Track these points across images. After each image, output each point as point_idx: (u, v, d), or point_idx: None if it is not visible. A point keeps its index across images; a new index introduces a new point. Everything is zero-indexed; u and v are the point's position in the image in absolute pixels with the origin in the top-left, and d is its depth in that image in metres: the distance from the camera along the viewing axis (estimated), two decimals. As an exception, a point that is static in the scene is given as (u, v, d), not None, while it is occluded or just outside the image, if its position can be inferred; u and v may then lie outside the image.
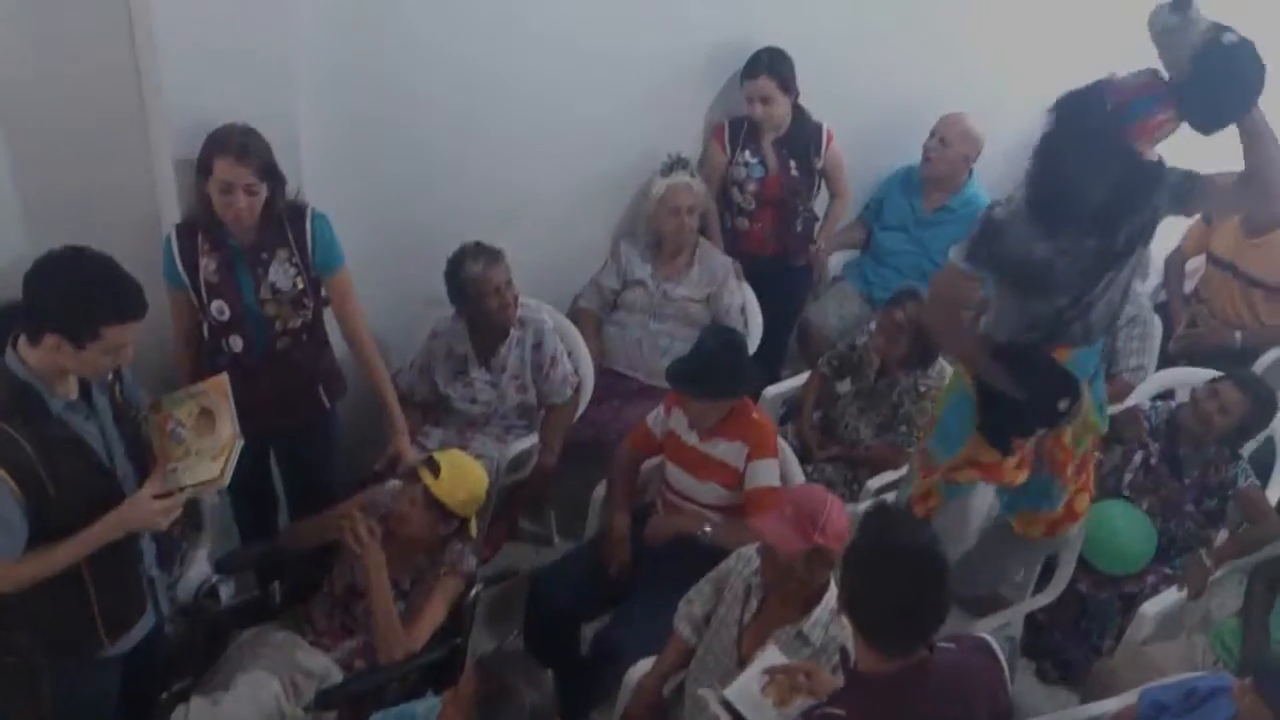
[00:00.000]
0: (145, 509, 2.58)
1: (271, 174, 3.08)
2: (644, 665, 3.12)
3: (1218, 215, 3.22)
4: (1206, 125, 2.66)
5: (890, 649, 2.21)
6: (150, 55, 3.02)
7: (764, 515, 2.90)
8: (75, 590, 2.62)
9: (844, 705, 2.23)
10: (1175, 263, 4.87)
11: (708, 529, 3.42)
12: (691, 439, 3.49)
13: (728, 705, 2.55)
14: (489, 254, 3.72)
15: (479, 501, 3.20)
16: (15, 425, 2.42)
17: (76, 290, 2.40)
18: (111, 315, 2.42)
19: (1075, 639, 3.89)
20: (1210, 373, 4.02)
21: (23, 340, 2.45)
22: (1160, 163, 2.77)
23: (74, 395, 2.55)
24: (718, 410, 3.43)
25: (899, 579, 2.17)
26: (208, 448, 2.74)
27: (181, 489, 2.64)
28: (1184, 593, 3.59)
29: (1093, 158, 2.65)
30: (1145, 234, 2.88)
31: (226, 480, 2.72)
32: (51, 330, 2.39)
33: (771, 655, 2.67)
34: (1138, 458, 3.81)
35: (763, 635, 2.84)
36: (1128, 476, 3.83)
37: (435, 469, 3.10)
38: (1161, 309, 4.70)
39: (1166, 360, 4.49)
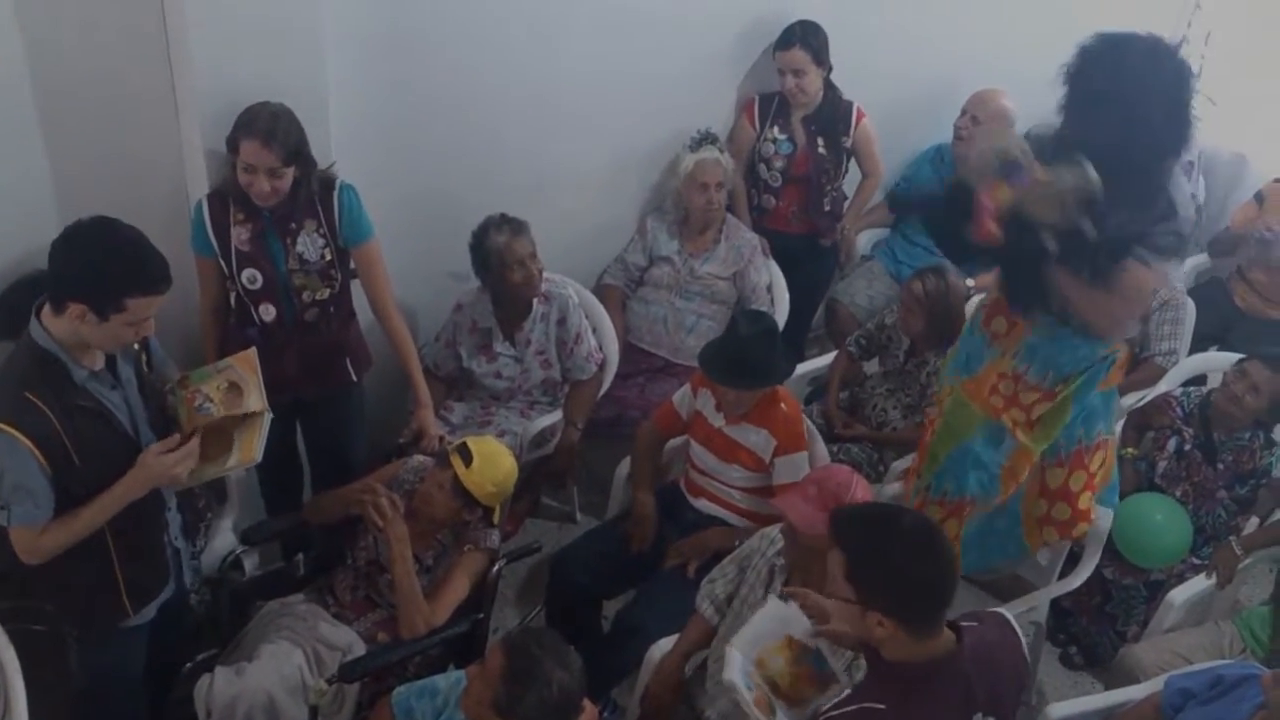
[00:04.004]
0: (155, 463, 2.57)
1: (300, 157, 3.06)
2: (665, 644, 3.11)
3: None
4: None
5: (914, 619, 2.17)
6: (179, 25, 3.00)
7: (787, 495, 2.88)
8: (100, 560, 2.64)
9: (882, 699, 2.20)
10: (1223, 241, 4.87)
11: (738, 543, 3.33)
12: (718, 421, 3.47)
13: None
14: (514, 225, 3.70)
15: (506, 494, 3.19)
16: (40, 395, 2.42)
17: (103, 259, 2.40)
18: (136, 286, 2.41)
19: (1100, 625, 3.86)
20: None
21: (47, 310, 2.45)
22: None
23: (99, 365, 2.55)
24: (749, 398, 3.39)
25: (894, 544, 2.20)
26: (235, 421, 2.74)
27: (190, 437, 2.63)
28: (1212, 580, 3.55)
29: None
30: None
31: (259, 455, 2.73)
32: (76, 299, 2.38)
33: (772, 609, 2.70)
34: (1171, 444, 3.76)
35: (786, 616, 2.83)
36: (1161, 465, 3.78)
37: (468, 458, 3.07)
38: (1194, 292, 4.64)
39: (1198, 337, 4.43)
